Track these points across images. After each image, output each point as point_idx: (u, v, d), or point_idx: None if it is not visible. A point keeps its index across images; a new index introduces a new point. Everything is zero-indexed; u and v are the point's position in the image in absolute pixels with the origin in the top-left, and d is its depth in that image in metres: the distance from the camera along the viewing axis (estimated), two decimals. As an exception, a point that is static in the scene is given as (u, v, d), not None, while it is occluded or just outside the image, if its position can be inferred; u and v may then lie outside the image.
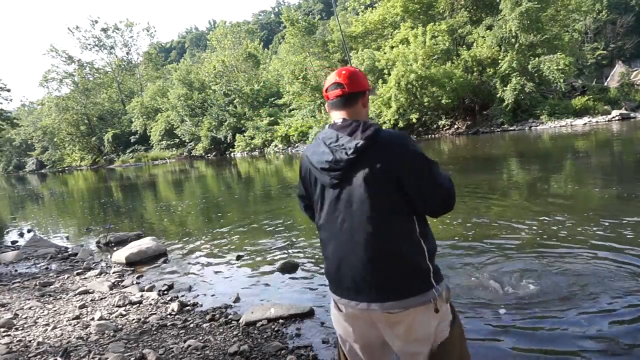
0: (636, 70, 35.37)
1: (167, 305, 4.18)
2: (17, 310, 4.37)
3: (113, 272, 5.67)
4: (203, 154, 43.89)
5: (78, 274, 5.75)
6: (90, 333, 3.60)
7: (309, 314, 3.66)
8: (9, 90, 40.03)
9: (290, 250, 5.84)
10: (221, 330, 3.52)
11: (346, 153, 1.52)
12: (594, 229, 5.20)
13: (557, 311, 3.27)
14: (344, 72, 1.66)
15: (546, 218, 5.90)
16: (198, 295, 4.51)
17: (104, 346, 3.33)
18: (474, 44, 28.41)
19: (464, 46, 29.28)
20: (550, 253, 4.52)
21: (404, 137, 1.57)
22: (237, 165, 27.58)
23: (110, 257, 6.46)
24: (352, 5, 39.15)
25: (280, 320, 3.57)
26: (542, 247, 4.74)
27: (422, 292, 1.52)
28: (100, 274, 5.66)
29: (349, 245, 1.55)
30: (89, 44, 60.46)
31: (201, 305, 4.18)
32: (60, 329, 3.76)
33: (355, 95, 1.64)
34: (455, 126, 29.03)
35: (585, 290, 3.57)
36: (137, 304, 4.29)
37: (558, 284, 3.72)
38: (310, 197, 1.74)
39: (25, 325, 3.92)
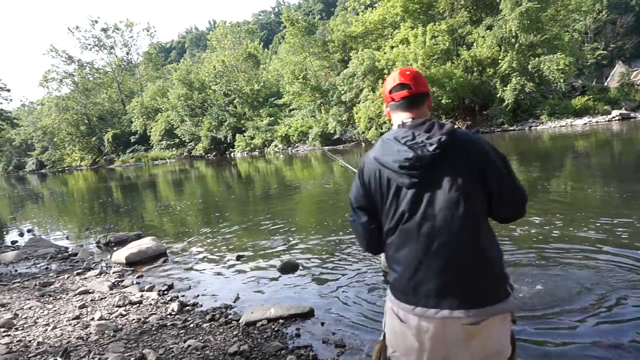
0: (636, 70, 35.37)
1: (167, 305, 4.18)
2: (17, 310, 4.37)
3: (113, 272, 5.66)
4: (203, 154, 43.93)
5: (78, 274, 5.74)
6: (90, 333, 3.60)
7: (309, 314, 3.66)
8: (9, 90, 40.10)
9: (290, 250, 5.84)
10: (221, 330, 3.52)
11: (428, 150, 1.44)
12: (596, 228, 5.20)
13: (563, 319, 3.11)
14: (407, 72, 1.60)
15: (547, 217, 5.89)
16: (198, 295, 4.51)
17: (104, 346, 3.33)
18: (474, 44, 28.42)
19: (464, 46, 29.29)
20: (551, 253, 4.51)
21: (479, 136, 1.55)
22: (237, 165, 27.58)
23: (110, 257, 6.46)
24: (352, 5, 39.16)
25: (280, 320, 3.57)
26: (543, 247, 4.73)
27: (503, 300, 1.45)
28: (100, 274, 5.65)
29: (430, 248, 1.44)
30: (89, 44, 60.57)
31: (201, 305, 4.18)
32: (60, 329, 3.76)
33: (422, 96, 1.60)
34: (456, 126, 29.03)
35: (591, 293, 3.45)
36: (137, 304, 4.29)
37: (562, 286, 3.63)
38: (376, 206, 1.57)
39: (25, 325, 3.92)
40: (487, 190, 1.48)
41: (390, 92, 1.61)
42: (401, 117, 1.58)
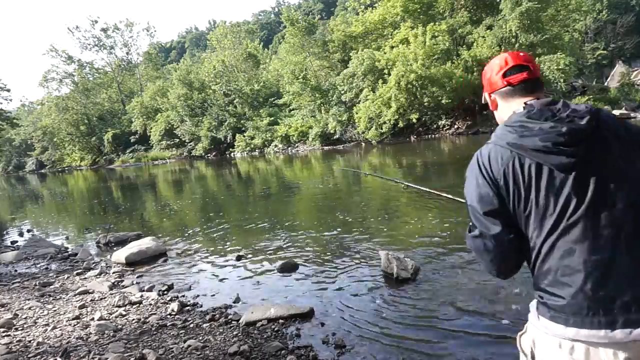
0: (636, 70, 35.38)
1: (167, 306, 4.18)
2: (17, 310, 4.37)
3: (113, 272, 5.66)
4: (203, 154, 43.89)
5: (78, 274, 5.74)
6: (90, 333, 3.60)
7: (309, 314, 3.66)
8: (8, 90, 40.19)
9: (290, 250, 5.84)
10: (221, 330, 3.51)
11: (580, 123, 1.20)
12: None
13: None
14: (521, 54, 1.39)
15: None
16: (198, 295, 4.51)
17: (104, 346, 3.33)
18: (474, 44, 28.43)
19: (464, 46, 29.29)
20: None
21: None
22: (237, 165, 27.58)
23: (110, 257, 6.45)
24: (352, 5, 39.15)
25: (280, 320, 3.57)
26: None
27: None
28: (100, 274, 5.65)
29: (617, 242, 1.14)
30: (89, 44, 60.45)
31: (201, 305, 4.18)
32: (60, 329, 3.76)
33: (540, 80, 1.39)
34: (455, 126, 29.03)
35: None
36: (137, 304, 4.29)
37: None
38: (512, 208, 1.25)
39: (25, 326, 3.92)
40: None
41: (505, 75, 1.37)
42: (521, 102, 1.32)
